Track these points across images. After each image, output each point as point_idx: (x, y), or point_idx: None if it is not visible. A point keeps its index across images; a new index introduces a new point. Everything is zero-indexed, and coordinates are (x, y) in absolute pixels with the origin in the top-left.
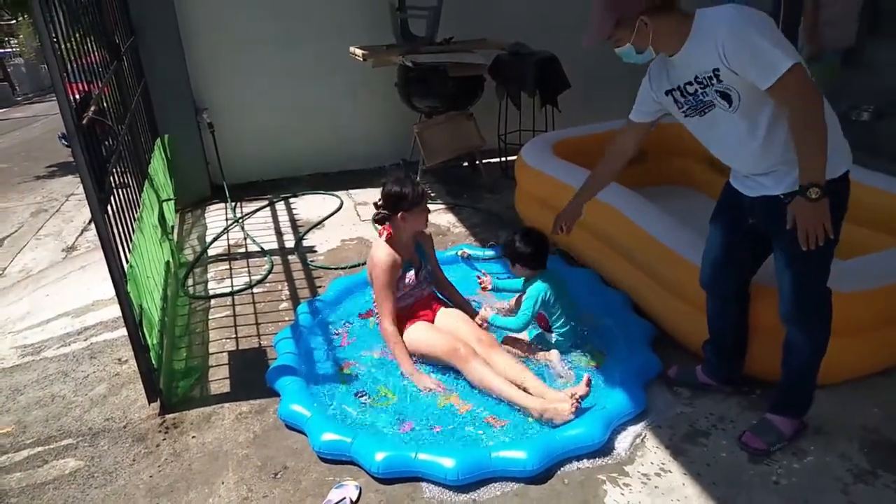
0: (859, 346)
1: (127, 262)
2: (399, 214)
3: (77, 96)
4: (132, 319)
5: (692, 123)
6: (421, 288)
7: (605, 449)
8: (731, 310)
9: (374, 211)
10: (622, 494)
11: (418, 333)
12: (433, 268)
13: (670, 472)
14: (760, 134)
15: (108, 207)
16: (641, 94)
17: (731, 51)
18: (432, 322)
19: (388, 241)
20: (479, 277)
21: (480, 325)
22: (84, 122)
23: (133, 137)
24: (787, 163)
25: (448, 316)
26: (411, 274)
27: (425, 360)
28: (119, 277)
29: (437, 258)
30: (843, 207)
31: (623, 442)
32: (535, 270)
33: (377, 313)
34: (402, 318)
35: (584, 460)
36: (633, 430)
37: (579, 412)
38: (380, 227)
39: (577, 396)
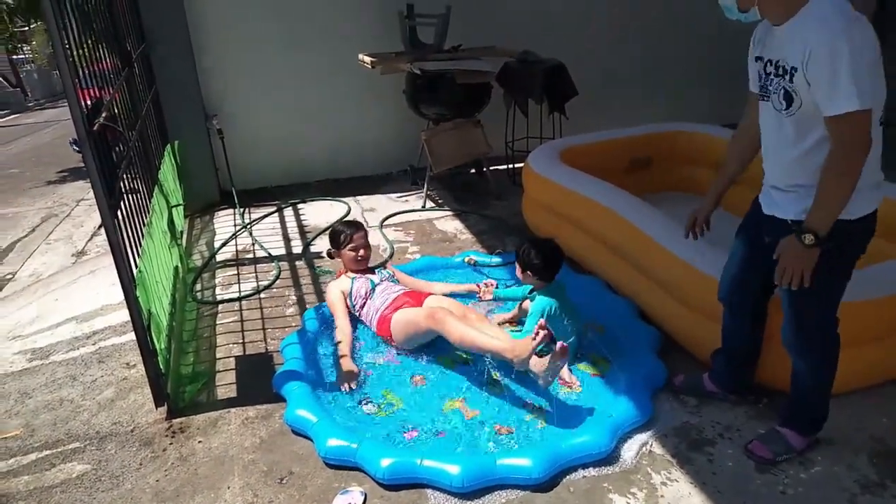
0: (868, 355)
1: (136, 267)
2: (332, 250)
3: (88, 102)
4: (140, 324)
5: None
6: (386, 288)
7: (612, 457)
8: (746, 328)
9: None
10: (628, 503)
11: (401, 316)
12: (394, 274)
13: (676, 480)
14: (804, 146)
15: (118, 213)
16: (749, 61)
17: (814, 61)
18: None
19: (340, 275)
20: (477, 286)
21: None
22: (95, 128)
23: (143, 143)
24: (810, 187)
25: (434, 301)
26: (362, 284)
27: (414, 340)
28: (128, 282)
29: (398, 270)
30: (857, 248)
31: (629, 450)
32: (543, 282)
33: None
34: (390, 314)
35: (590, 468)
36: (639, 439)
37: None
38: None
39: (539, 328)
